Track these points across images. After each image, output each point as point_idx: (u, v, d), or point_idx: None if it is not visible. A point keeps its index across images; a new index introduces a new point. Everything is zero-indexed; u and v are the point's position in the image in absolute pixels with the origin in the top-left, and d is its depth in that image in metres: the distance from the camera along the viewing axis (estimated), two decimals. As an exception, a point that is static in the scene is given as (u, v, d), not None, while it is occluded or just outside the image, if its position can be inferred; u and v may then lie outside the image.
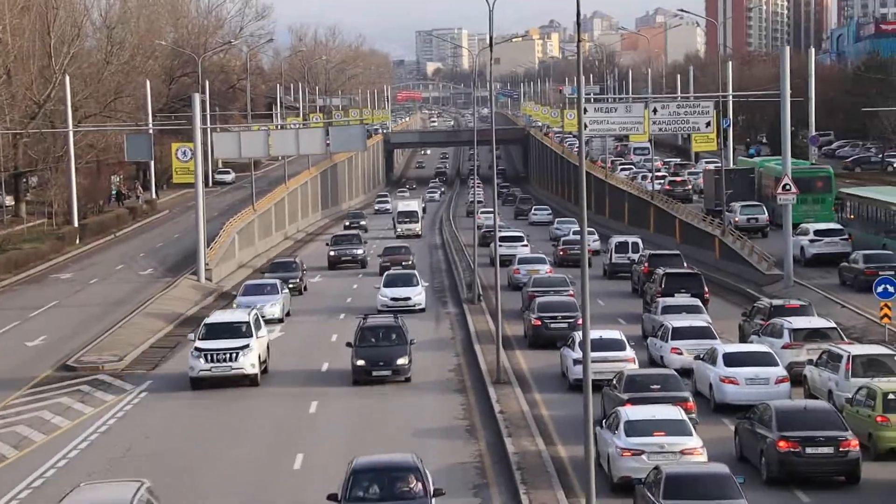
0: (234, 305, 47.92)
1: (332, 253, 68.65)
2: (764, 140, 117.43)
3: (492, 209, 52.42)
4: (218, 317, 38.70)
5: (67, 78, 77.63)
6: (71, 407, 34.42)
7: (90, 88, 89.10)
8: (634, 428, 25.03)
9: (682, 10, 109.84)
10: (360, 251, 69.10)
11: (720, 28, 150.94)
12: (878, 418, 26.64)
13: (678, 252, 56.84)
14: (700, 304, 42.34)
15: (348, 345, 36.03)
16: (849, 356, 30.21)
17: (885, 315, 37.90)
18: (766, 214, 66.67)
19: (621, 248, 60.90)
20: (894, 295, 37.38)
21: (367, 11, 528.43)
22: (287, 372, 38.65)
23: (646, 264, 52.37)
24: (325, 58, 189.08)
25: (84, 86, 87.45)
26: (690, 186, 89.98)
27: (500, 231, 45.42)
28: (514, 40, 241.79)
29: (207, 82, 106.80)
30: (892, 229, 53.48)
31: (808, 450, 24.84)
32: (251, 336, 36.17)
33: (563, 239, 70.33)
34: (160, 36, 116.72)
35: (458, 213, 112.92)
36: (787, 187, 50.46)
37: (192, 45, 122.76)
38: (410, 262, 62.81)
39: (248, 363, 35.58)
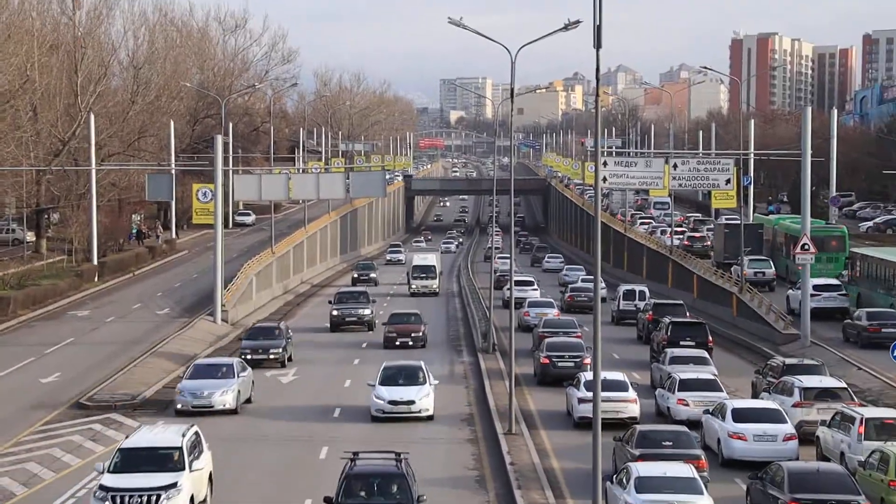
0: (178, 391, 39.25)
1: (334, 313, 60.71)
2: (785, 199, 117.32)
3: (508, 255, 52.82)
4: (140, 438, 27.40)
5: (92, 116, 78.18)
6: (82, 445, 34.43)
7: (115, 127, 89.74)
8: (645, 485, 24.90)
9: (706, 68, 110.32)
10: (366, 311, 60.91)
11: (743, 86, 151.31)
12: (892, 483, 26.39)
13: (681, 302, 59.57)
14: (707, 356, 43.14)
15: (327, 501, 24.37)
16: (862, 419, 30.03)
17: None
18: (773, 269, 69.13)
19: (629, 295, 64.34)
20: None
21: (392, 59, 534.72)
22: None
23: (650, 312, 55.36)
24: (349, 103, 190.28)
25: (109, 124, 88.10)
26: (709, 242, 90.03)
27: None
28: (537, 91, 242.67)
29: (231, 124, 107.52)
30: None
31: (820, 513, 24.62)
32: (182, 469, 26.17)
33: (570, 286, 72.01)
34: (186, 77, 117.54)
35: (477, 259, 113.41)
36: (806, 247, 50.46)
37: (218, 87, 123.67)
38: (421, 334, 54.23)
39: None
